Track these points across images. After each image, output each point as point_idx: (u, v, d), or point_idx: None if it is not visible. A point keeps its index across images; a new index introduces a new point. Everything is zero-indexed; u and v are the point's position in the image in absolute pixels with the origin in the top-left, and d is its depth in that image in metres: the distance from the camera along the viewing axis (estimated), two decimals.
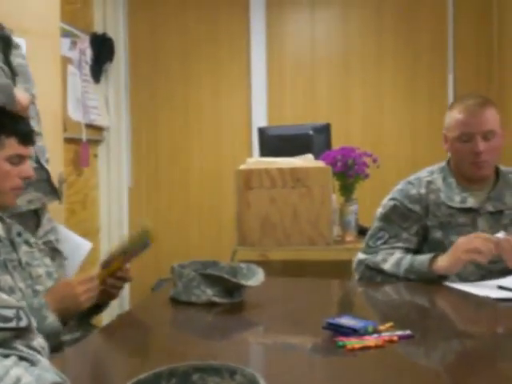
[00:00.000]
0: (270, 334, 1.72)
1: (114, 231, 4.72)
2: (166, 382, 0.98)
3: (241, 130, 4.71)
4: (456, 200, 2.29)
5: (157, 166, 4.80)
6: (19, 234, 1.87)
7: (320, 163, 3.27)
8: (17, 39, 2.49)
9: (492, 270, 2.13)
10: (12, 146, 1.84)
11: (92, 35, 4.45)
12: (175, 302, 1.94)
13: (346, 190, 3.34)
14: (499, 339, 1.64)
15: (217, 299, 1.89)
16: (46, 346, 1.14)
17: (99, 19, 4.59)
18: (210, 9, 4.72)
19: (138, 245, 1.86)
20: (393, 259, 2.22)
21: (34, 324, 1.09)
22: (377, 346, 1.43)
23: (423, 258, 2.16)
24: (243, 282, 1.90)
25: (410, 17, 4.58)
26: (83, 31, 4.32)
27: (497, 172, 2.34)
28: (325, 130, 3.77)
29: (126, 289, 4.45)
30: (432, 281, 2.13)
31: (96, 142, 4.60)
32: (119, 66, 4.70)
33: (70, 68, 4.10)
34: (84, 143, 4.22)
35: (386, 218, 2.35)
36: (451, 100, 4.41)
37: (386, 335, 1.49)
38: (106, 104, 4.64)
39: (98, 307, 1.92)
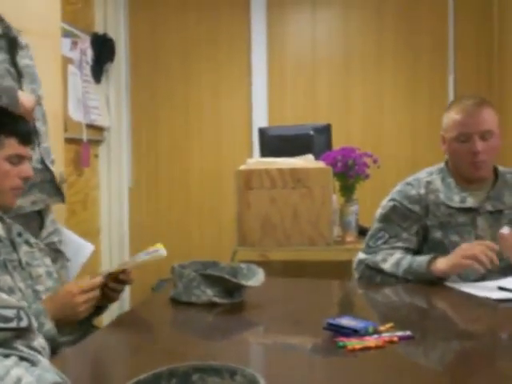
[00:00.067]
0: (271, 335, 1.72)
1: (115, 231, 4.72)
2: (166, 382, 0.98)
3: (241, 131, 4.71)
4: (455, 200, 2.30)
5: (157, 166, 4.81)
6: (19, 234, 1.87)
7: (320, 164, 3.27)
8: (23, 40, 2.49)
9: (492, 269, 2.13)
10: (12, 145, 1.84)
11: (93, 35, 4.45)
12: (175, 302, 1.94)
13: (347, 191, 3.34)
14: (499, 340, 1.64)
15: (217, 299, 1.89)
16: (46, 347, 1.14)
17: (100, 19, 4.59)
18: (210, 9, 4.72)
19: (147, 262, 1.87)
20: (393, 259, 2.23)
21: (35, 324, 1.09)
22: (377, 347, 1.44)
23: (422, 259, 2.16)
24: (243, 283, 1.90)
25: (410, 17, 4.59)
26: (84, 31, 4.33)
27: (495, 172, 2.35)
28: (325, 131, 3.77)
29: (127, 289, 4.43)
30: (430, 281, 2.13)
31: (97, 142, 4.60)
32: (120, 67, 4.70)
33: (71, 68, 4.10)
34: (85, 143, 4.22)
35: (385, 218, 2.35)
36: (451, 100, 4.41)
37: (386, 336, 1.49)
38: (107, 104, 4.64)
39: (98, 309, 1.92)
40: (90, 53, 4.39)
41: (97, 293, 1.78)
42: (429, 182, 2.36)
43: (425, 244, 2.33)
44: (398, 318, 1.74)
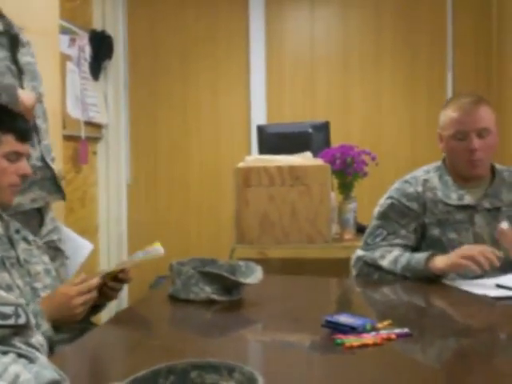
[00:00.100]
0: (269, 332, 1.72)
1: (113, 228, 4.72)
2: (164, 379, 0.98)
3: (240, 128, 4.71)
4: (453, 197, 2.30)
5: (156, 163, 4.81)
6: (17, 231, 1.87)
7: (319, 161, 3.27)
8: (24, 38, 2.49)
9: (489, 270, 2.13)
10: (9, 142, 1.83)
11: (91, 32, 4.44)
12: (174, 299, 1.94)
13: (345, 188, 3.34)
14: (497, 337, 1.64)
15: (215, 297, 1.89)
16: (44, 344, 1.14)
17: (98, 16, 4.59)
18: (209, 6, 4.72)
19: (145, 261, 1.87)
20: (391, 256, 2.23)
21: (33, 321, 1.09)
22: (375, 344, 1.44)
23: (420, 256, 2.16)
24: (242, 280, 1.90)
25: (408, 15, 4.58)
26: (82, 28, 4.32)
27: (492, 170, 2.35)
28: (324, 128, 3.77)
29: (125, 286, 4.44)
30: (428, 278, 2.14)
31: (95, 140, 4.60)
32: (118, 64, 4.70)
33: (69, 65, 4.10)
34: (83, 140, 4.22)
35: (383, 215, 2.36)
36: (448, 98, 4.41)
37: (384, 333, 1.50)
38: (105, 101, 4.64)
39: (96, 308, 1.91)
40: (88, 50, 4.39)
41: (94, 294, 1.78)
42: (426, 180, 2.36)
43: (423, 241, 2.33)
44: (395, 316, 1.74)
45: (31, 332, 1.08)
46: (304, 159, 3.25)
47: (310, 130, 3.70)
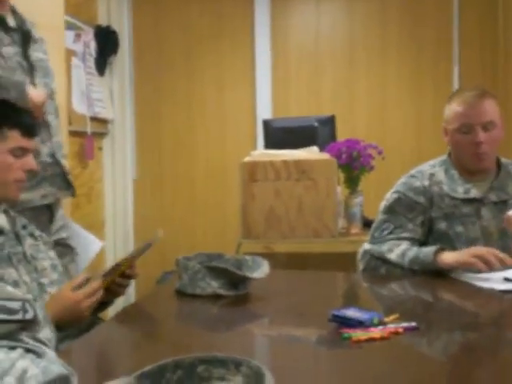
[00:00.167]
0: (275, 326, 1.72)
1: (119, 224, 4.73)
2: (172, 373, 0.98)
3: (245, 123, 4.71)
4: (459, 191, 2.30)
5: (161, 159, 4.81)
6: (24, 227, 1.87)
7: (325, 155, 3.26)
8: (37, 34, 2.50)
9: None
10: (15, 138, 1.83)
11: (96, 28, 4.44)
12: (180, 294, 1.94)
13: (351, 182, 3.33)
14: (504, 331, 1.64)
15: (222, 291, 1.89)
16: (52, 338, 1.15)
17: (103, 12, 4.59)
18: (213, 1, 4.71)
19: (144, 248, 1.85)
20: (399, 250, 2.23)
21: (40, 316, 1.09)
22: (382, 338, 1.44)
23: (429, 250, 2.16)
24: (248, 275, 1.90)
25: (414, 9, 4.57)
26: (87, 24, 4.32)
27: (498, 163, 2.35)
28: (329, 122, 3.76)
29: (131, 282, 4.46)
30: (435, 272, 2.13)
31: (101, 135, 4.60)
32: (123, 59, 4.70)
33: (75, 61, 4.10)
34: (89, 136, 4.22)
35: (390, 209, 2.36)
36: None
37: (391, 327, 1.49)
38: (111, 97, 4.64)
39: (103, 304, 1.91)
40: (93, 45, 4.39)
41: (100, 294, 1.77)
42: (432, 174, 2.36)
43: (430, 235, 2.33)
44: (402, 310, 1.74)
45: (39, 327, 1.09)
46: (310, 153, 3.25)
47: (316, 124, 3.69)
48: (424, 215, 2.32)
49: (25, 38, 2.41)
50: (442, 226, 2.30)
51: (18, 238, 1.82)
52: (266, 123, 3.83)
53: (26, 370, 0.97)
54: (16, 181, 1.84)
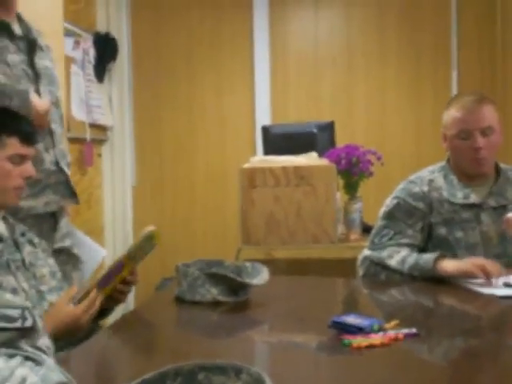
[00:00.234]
0: (275, 333, 1.72)
1: (119, 230, 4.72)
2: (172, 381, 0.97)
3: (244, 129, 4.71)
4: (459, 196, 2.30)
5: (161, 165, 4.80)
6: (23, 234, 1.87)
7: (324, 161, 3.26)
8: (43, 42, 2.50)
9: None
10: (13, 145, 1.83)
11: (95, 35, 4.45)
12: (180, 301, 1.94)
13: (351, 188, 3.33)
14: (504, 337, 1.63)
15: (221, 298, 1.88)
16: (51, 346, 1.14)
17: (102, 19, 4.59)
18: (213, 8, 4.71)
19: (144, 249, 1.83)
20: (399, 256, 2.23)
21: (39, 324, 1.09)
22: (382, 344, 1.43)
23: (429, 256, 2.16)
24: (248, 281, 1.90)
25: (412, 14, 4.57)
26: (86, 31, 4.32)
27: (496, 168, 2.35)
28: (329, 128, 3.76)
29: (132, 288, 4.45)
30: (435, 278, 2.13)
31: (100, 142, 4.60)
32: (122, 66, 4.70)
33: (74, 68, 4.10)
34: (88, 143, 4.22)
35: (389, 215, 2.35)
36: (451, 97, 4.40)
37: (391, 333, 1.49)
38: (110, 103, 4.64)
39: (104, 311, 1.90)
40: (92, 52, 4.39)
41: (98, 304, 1.77)
42: (431, 180, 2.36)
43: (429, 241, 2.33)
44: (403, 316, 1.74)
45: (38, 335, 1.08)
46: (309, 159, 3.25)
47: (315, 130, 3.69)
48: (423, 221, 2.32)
49: (31, 46, 2.41)
50: (441, 231, 2.30)
51: (17, 245, 1.81)
52: (265, 129, 3.83)
53: (26, 378, 0.96)
54: (15, 188, 1.85)
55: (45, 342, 1.11)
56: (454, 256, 2.21)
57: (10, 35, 2.35)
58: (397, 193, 2.38)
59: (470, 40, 4.52)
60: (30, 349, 1.05)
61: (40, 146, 2.33)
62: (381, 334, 1.49)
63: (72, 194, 2.54)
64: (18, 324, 1.04)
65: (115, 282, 1.82)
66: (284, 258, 3.45)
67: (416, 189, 2.35)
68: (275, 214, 3.16)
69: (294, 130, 3.81)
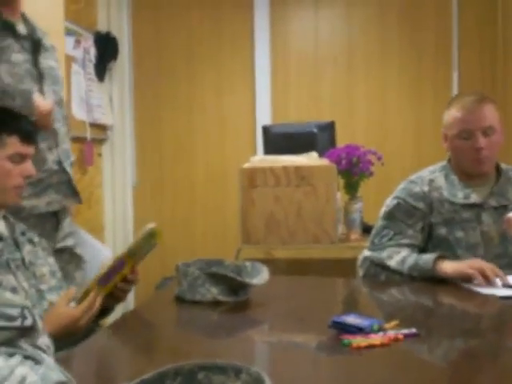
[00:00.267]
0: (275, 333, 1.72)
1: (119, 229, 4.72)
2: (172, 380, 0.97)
3: (245, 129, 4.70)
4: (459, 196, 2.30)
5: (161, 165, 4.80)
6: (23, 233, 1.87)
7: (324, 161, 3.26)
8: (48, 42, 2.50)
9: (497, 264, 2.12)
10: (13, 144, 1.83)
11: (96, 34, 4.45)
12: (180, 300, 1.94)
13: (351, 188, 3.33)
14: (504, 337, 1.63)
15: (222, 298, 1.88)
16: (51, 345, 1.14)
17: (103, 18, 4.59)
18: (213, 7, 4.71)
19: (145, 247, 1.83)
20: (399, 257, 2.22)
21: (39, 323, 1.09)
22: (382, 345, 1.43)
23: (428, 257, 2.16)
24: (248, 281, 1.90)
25: (413, 14, 4.57)
26: (87, 30, 4.32)
27: (497, 168, 2.35)
28: (329, 128, 3.76)
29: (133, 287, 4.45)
30: (435, 278, 2.13)
31: (100, 141, 4.60)
32: (123, 65, 4.70)
33: (74, 67, 4.10)
34: (88, 142, 4.22)
35: (390, 215, 2.35)
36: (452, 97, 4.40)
37: (391, 333, 1.49)
38: (110, 103, 4.64)
39: (104, 310, 1.90)
40: (93, 51, 4.39)
41: (97, 305, 1.77)
42: (432, 180, 2.36)
43: (429, 241, 2.33)
44: (403, 316, 1.73)
45: (37, 334, 1.08)
46: (309, 159, 3.25)
47: (316, 130, 3.69)
48: (424, 221, 2.32)
49: (35, 45, 2.41)
50: (442, 231, 2.29)
51: (17, 244, 1.82)
52: (266, 129, 3.83)
53: (25, 377, 0.96)
54: (15, 187, 1.85)
55: (44, 341, 1.10)
56: (455, 256, 2.21)
57: (15, 35, 2.35)
58: (397, 193, 2.38)
59: (471, 40, 4.52)
60: (29, 348, 1.05)
61: (43, 145, 2.33)
62: (381, 334, 1.49)
63: (74, 194, 2.54)
64: (17, 323, 1.04)
65: (116, 280, 1.81)
66: (284, 257, 3.45)
67: (416, 189, 2.34)
68: (275, 214, 3.16)
69: (295, 129, 3.81)
